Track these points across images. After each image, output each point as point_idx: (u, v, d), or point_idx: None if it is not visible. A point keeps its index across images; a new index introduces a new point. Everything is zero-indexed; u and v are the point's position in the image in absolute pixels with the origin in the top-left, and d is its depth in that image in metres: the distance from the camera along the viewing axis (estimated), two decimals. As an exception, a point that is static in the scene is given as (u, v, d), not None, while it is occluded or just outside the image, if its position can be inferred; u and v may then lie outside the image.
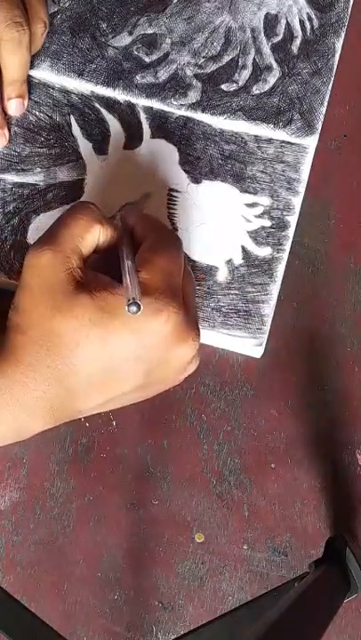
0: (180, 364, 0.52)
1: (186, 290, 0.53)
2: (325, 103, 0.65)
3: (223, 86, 0.66)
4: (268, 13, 0.67)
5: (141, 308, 0.47)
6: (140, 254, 0.53)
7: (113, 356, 0.50)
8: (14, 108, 0.64)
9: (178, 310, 0.50)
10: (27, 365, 0.50)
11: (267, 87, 0.66)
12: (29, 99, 0.65)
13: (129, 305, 0.47)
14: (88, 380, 0.51)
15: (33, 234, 0.63)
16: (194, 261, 0.63)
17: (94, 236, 0.53)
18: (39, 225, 0.63)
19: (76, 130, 0.65)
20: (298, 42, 0.67)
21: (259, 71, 0.66)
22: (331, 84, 0.66)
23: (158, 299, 0.50)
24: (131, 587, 0.63)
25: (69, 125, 0.65)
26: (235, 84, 0.66)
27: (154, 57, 0.66)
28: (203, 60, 0.66)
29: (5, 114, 0.64)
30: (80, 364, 0.50)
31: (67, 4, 0.67)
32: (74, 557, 0.63)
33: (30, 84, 0.65)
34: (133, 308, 0.47)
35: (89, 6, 0.67)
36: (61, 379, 0.50)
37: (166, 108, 0.65)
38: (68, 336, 0.49)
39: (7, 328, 0.51)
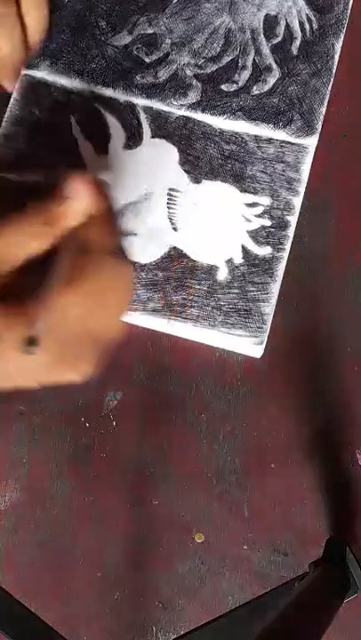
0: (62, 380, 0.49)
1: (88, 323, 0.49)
2: (325, 103, 0.66)
3: (223, 86, 0.66)
4: (267, 15, 0.67)
5: (35, 352, 0.44)
6: (67, 276, 0.47)
7: None
8: None
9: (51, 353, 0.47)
10: None
11: (266, 87, 0.66)
12: (30, 97, 0.65)
13: (26, 345, 0.44)
14: None
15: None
16: (194, 261, 0.63)
17: (23, 254, 0.48)
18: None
19: (76, 130, 0.65)
20: (297, 43, 0.67)
21: (259, 72, 0.66)
22: (330, 85, 0.66)
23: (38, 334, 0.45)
24: (131, 587, 0.63)
25: (69, 125, 0.65)
26: (235, 85, 0.66)
27: (154, 57, 0.66)
28: (203, 60, 0.66)
29: None
30: None
31: (66, 2, 0.67)
32: (74, 557, 0.63)
33: (30, 83, 0.65)
34: (29, 349, 0.44)
35: (88, 4, 0.67)
36: None
37: (166, 108, 0.65)
38: None
39: None
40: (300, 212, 0.64)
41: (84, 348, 0.48)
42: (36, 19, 0.62)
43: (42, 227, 0.48)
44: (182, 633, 0.62)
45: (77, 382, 0.48)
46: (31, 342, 0.44)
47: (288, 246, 0.63)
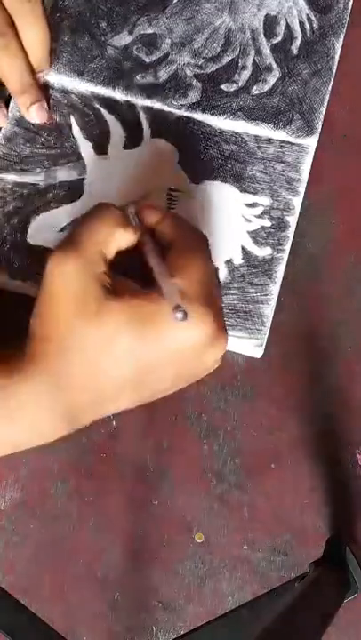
0: (208, 365, 0.52)
1: (215, 292, 0.53)
2: (325, 103, 0.65)
3: (223, 86, 0.66)
4: (267, 14, 0.67)
5: (188, 314, 0.46)
6: (172, 259, 0.51)
7: (144, 364, 0.49)
8: (34, 114, 0.64)
9: (214, 319, 0.49)
10: (53, 374, 0.49)
11: (267, 87, 0.66)
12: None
13: (176, 311, 0.46)
14: (118, 386, 0.50)
15: (33, 234, 0.63)
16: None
17: (117, 240, 0.52)
18: (39, 225, 0.63)
19: (76, 130, 0.65)
20: (298, 43, 0.67)
21: (259, 72, 0.66)
22: (330, 85, 0.66)
23: (195, 308, 0.48)
24: (131, 587, 0.63)
25: (69, 126, 0.65)
26: (235, 85, 0.66)
27: (154, 57, 0.66)
28: (203, 60, 0.66)
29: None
30: (110, 370, 0.49)
31: (66, 3, 0.67)
32: (74, 557, 0.63)
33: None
34: (180, 315, 0.46)
35: (88, 5, 0.67)
36: (89, 384, 0.49)
37: (166, 108, 0.65)
38: (97, 343, 0.48)
39: (30, 336, 0.50)
40: (300, 212, 0.64)
41: (221, 313, 0.52)
42: (36, 37, 0.62)
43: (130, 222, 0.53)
44: (182, 633, 0.62)
45: (219, 362, 0.52)
46: (178, 309, 0.46)
47: (288, 247, 0.63)
